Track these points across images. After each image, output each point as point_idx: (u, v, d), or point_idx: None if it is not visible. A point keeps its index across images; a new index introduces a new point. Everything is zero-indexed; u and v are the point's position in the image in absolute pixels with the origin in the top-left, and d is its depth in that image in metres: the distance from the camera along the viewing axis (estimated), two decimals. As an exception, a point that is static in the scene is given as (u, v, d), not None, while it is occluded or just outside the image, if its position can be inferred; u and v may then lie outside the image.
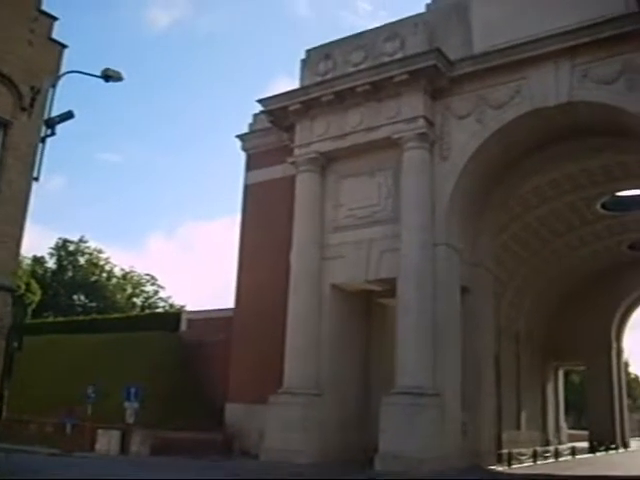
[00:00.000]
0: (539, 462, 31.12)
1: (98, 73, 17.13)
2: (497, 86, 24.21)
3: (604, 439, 47.40)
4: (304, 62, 28.45)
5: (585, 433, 55.06)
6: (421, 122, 24.49)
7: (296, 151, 27.23)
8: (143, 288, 66.74)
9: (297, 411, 23.80)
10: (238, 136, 32.42)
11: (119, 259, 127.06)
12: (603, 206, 38.01)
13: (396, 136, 24.74)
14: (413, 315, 22.80)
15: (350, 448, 24.62)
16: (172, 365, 31.17)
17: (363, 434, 25.30)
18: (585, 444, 47.71)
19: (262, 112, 29.13)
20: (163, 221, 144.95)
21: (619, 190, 35.79)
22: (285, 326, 25.41)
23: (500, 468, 26.34)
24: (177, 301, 66.26)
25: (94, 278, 62.49)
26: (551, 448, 39.67)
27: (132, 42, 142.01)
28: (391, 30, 26.48)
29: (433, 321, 22.99)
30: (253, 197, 30.84)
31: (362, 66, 26.26)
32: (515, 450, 32.53)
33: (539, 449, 36.00)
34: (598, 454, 42.33)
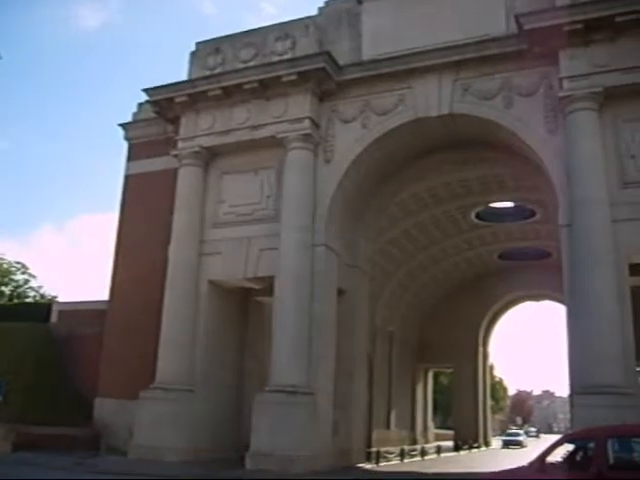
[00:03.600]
0: (406, 460, 32.01)
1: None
2: (383, 93, 24.71)
3: (468, 438, 49.45)
4: (193, 55, 28.01)
5: (451, 432, 57.17)
6: (307, 123, 24.66)
7: (180, 144, 26.81)
8: (12, 277, 63.52)
9: (168, 407, 23.43)
10: (121, 125, 31.58)
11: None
12: (477, 216, 39.59)
13: (281, 135, 24.82)
14: (289, 314, 22.94)
15: (223, 446, 24.54)
16: (40, 358, 29.90)
17: (236, 432, 25.27)
18: (450, 443, 49.55)
19: (147, 102, 28.49)
20: (54, 212, 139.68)
21: (493, 201, 37.33)
22: (161, 321, 24.95)
23: (368, 466, 26.91)
24: (50, 291, 63.47)
25: (-42, 265, 59.01)
26: (418, 447, 40.91)
27: (56, 38, 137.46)
28: (283, 30, 26.49)
29: (309, 320, 23.19)
30: (133, 188, 30.14)
31: (251, 63, 26.15)
32: (384, 449, 33.35)
33: (407, 448, 37.05)
34: (462, 452, 44.08)
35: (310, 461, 21.40)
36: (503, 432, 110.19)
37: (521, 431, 70.84)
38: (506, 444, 58.76)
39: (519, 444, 58.40)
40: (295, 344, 22.70)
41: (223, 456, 23.79)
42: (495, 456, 42.51)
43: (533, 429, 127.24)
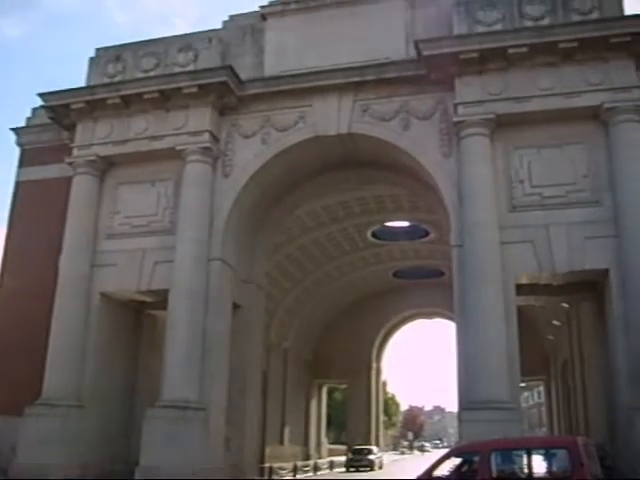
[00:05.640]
0: (298, 476, 32.18)
1: None
2: (283, 110, 24.84)
3: (360, 454, 49.90)
4: (92, 61, 27.29)
5: (344, 448, 57.64)
6: (206, 136, 24.50)
7: (75, 152, 26.00)
8: None
9: (55, 423, 22.54)
10: (13, 129, 30.40)
11: None
12: (373, 234, 40.41)
13: (179, 148, 24.53)
14: (182, 328, 22.63)
15: (113, 462, 23.81)
16: None
17: (127, 448, 24.59)
18: (344, 458, 49.95)
19: (42, 107, 27.57)
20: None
21: (389, 220, 38.22)
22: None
23: (260, 482, 26.88)
24: None
25: None
26: (311, 462, 41.14)
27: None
28: (185, 41, 26.29)
29: (202, 335, 22.94)
30: (24, 195, 28.92)
31: (152, 73, 25.77)
32: (277, 464, 33.37)
33: (300, 463, 37.23)
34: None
35: (200, 477, 21.09)
36: (395, 447, 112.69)
37: (374, 447, 49.79)
38: (350, 466, 44.59)
39: (369, 466, 44.38)
40: (188, 359, 22.39)
41: (112, 472, 23.16)
42: (386, 470, 43.20)
43: (435, 441, 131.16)
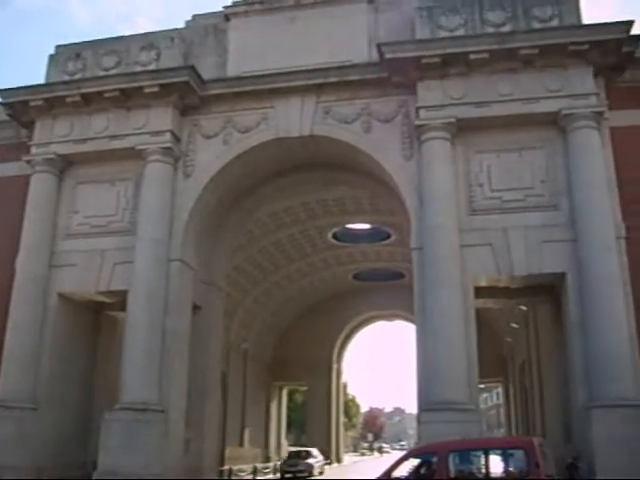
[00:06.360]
0: (258, 478, 32.09)
1: None
2: (245, 111, 24.77)
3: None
4: (52, 58, 26.86)
5: (304, 450, 57.62)
6: (167, 136, 24.30)
7: (33, 149, 25.59)
8: None
9: (10, 426, 22.18)
10: (-31, 126, 29.77)
11: None
12: (334, 236, 40.50)
13: (140, 147, 24.29)
14: (141, 329, 22.39)
15: (70, 464, 23.48)
16: None
17: (85, 451, 24.29)
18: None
19: (0, 104, 27.10)
20: None
21: (350, 223, 38.35)
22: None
23: (219, 484, 26.71)
24: None
25: None
26: (271, 464, 41.04)
27: None
28: (147, 40, 26.03)
29: (162, 336, 22.74)
30: (-19, 194, 28.44)
31: (113, 71, 25.45)
32: (237, 466, 33.25)
33: (260, 465, 37.13)
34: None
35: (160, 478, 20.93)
36: (355, 448, 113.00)
37: (313, 450, 44.05)
38: (285, 471, 39.38)
39: (307, 471, 39.24)
40: (146, 360, 22.17)
41: (69, 475, 22.84)
42: (346, 472, 43.28)
43: (401, 442, 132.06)
